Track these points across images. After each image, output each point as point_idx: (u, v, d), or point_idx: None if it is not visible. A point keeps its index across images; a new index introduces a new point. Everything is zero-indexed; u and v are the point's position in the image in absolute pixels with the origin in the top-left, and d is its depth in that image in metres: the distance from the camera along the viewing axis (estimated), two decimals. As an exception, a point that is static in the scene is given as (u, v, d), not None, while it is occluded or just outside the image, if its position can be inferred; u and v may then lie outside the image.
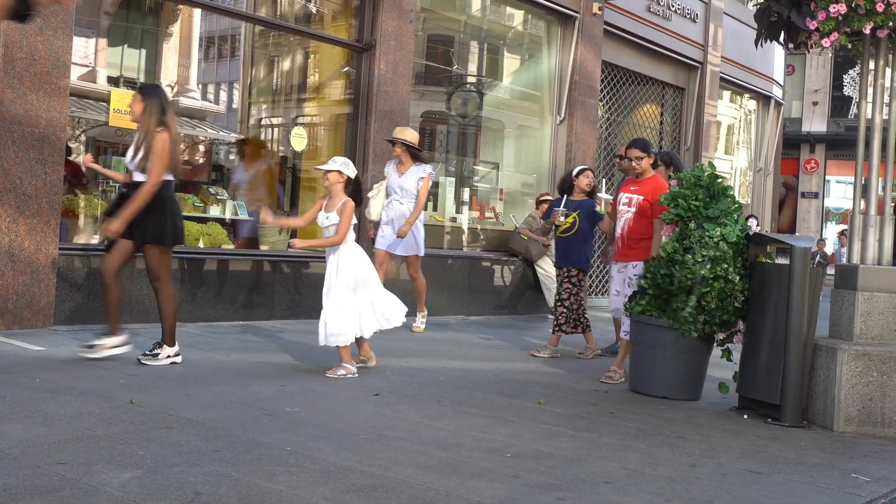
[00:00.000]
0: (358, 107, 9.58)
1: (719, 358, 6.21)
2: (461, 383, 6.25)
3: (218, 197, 9.23)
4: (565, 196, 7.84)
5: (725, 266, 5.87)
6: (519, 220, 11.42)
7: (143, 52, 9.67)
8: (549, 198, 10.10)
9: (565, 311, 7.75)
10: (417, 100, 10.95)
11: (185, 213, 8.86)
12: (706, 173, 6.24)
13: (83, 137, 9.16)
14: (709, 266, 5.85)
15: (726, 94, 17.33)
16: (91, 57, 8.81)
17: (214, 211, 8.99)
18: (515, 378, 6.66)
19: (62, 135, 7.09)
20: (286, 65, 11.04)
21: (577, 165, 12.07)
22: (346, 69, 10.05)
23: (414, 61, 10.12)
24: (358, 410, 5.11)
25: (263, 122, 11.03)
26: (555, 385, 6.50)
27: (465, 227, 11.52)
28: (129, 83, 8.86)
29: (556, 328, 7.79)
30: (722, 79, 15.94)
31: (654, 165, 7.17)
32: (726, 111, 17.65)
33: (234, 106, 10.81)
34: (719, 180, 6.22)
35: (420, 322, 8.93)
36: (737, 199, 6.29)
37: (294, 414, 4.88)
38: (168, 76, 9.67)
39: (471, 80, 12.63)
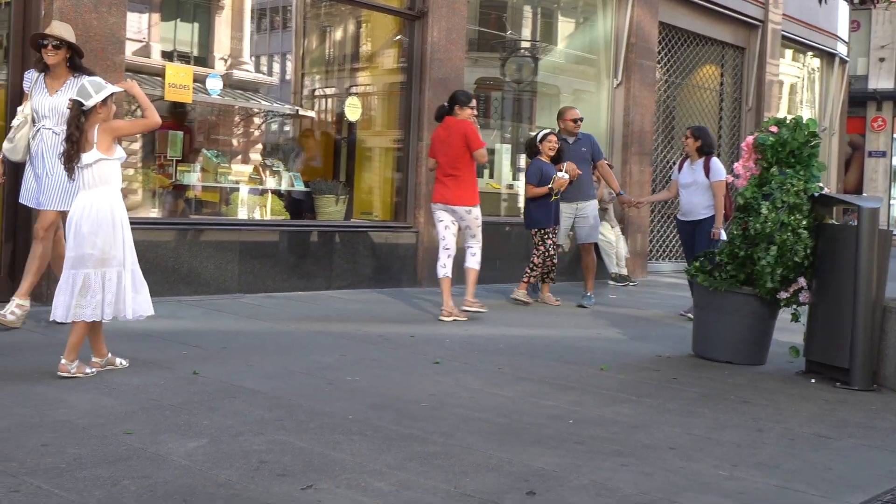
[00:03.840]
0: (412, 75, 9.51)
1: (789, 322, 6.07)
2: (521, 350, 6.21)
3: (274, 168, 9.27)
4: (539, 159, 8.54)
5: (799, 217, 5.74)
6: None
7: (196, 25, 9.70)
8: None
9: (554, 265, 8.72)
10: (471, 66, 10.84)
11: (240, 185, 8.98)
12: (818, 140, 6.13)
13: (139, 113, 9.22)
14: (787, 212, 5.74)
15: (788, 52, 16.87)
16: (145, 32, 8.86)
17: (271, 182, 9.03)
18: (575, 345, 6.60)
19: (118, 110, 7.13)
20: (338, 34, 11.00)
21: (633, 129, 11.91)
22: (398, 37, 9.98)
23: (467, 27, 10.00)
24: (418, 379, 5.11)
25: (317, 93, 11.03)
26: (616, 351, 6.43)
27: (522, 194, 11.42)
28: (183, 57, 8.90)
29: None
30: (784, 37, 15.51)
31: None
32: (789, 70, 17.18)
33: (288, 77, 10.81)
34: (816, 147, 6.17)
35: (13, 310, 5.72)
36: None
37: (355, 383, 4.90)
38: (221, 49, 9.69)
39: (525, 45, 12.46)
